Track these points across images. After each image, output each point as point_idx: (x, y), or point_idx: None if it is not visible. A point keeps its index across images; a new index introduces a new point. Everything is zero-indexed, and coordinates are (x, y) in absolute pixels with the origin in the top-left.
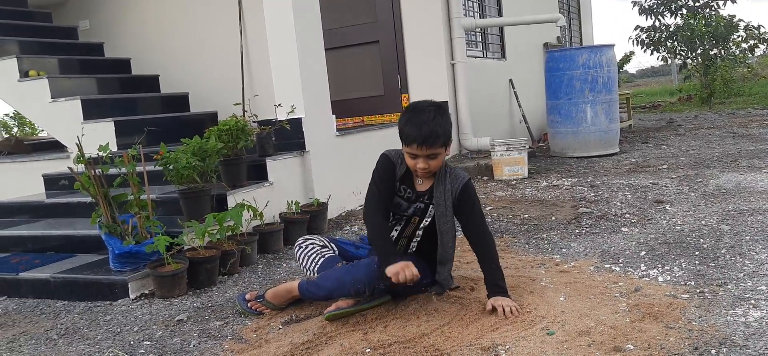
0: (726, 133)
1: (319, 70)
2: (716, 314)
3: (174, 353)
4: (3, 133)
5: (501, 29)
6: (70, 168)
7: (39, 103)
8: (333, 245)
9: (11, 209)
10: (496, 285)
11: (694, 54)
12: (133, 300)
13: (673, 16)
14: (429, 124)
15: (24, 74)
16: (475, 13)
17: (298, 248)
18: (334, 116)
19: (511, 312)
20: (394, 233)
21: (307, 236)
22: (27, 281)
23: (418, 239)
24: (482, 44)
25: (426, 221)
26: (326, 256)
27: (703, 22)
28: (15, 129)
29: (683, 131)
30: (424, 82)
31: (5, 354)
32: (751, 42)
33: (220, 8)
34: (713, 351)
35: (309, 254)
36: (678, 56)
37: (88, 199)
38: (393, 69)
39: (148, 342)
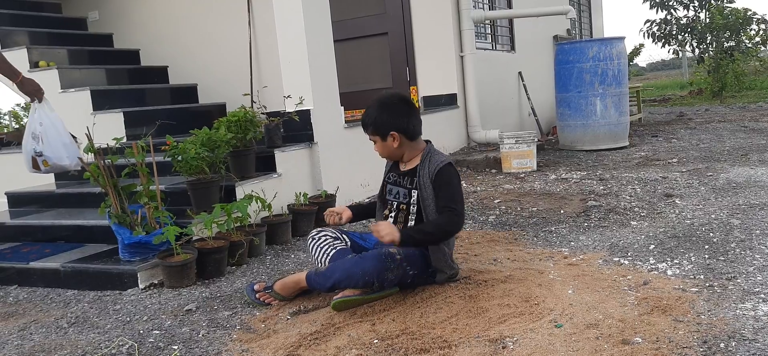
0: (737, 127)
1: (327, 62)
2: (725, 308)
3: (183, 342)
4: (13, 123)
5: (510, 21)
6: (80, 158)
7: (49, 93)
8: (345, 236)
9: (21, 199)
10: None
11: (707, 47)
12: (142, 289)
13: (686, 9)
14: (365, 113)
15: (34, 65)
16: (485, 5)
17: (311, 240)
18: (342, 107)
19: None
20: (390, 220)
21: (321, 229)
22: (37, 270)
23: (413, 222)
24: (491, 36)
25: (413, 205)
26: (338, 248)
27: (717, 15)
28: (25, 120)
29: (693, 124)
30: (433, 75)
31: (17, 341)
32: (762, 34)
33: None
34: (722, 345)
35: (321, 246)
36: (693, 50)
37: (98, 189)
38: (402, 61)
39: (158, 332)
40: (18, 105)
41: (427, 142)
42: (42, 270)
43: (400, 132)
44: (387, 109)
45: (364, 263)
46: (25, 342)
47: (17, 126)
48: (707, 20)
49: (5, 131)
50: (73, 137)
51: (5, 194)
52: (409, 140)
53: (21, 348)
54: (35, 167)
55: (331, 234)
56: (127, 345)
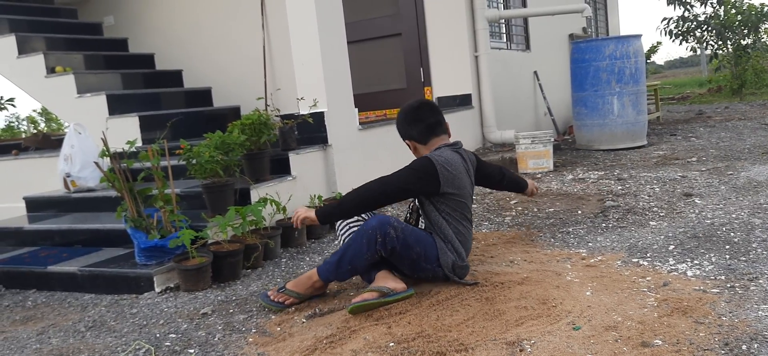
0: (757, 124)
1: (341, 64)
2: (747, 309)
3: (199, 346)
4: (30, 129)
5: (525, 20)
6: (96, 163)
7: (65, 98)
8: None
9: (39, 204)
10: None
11: (724, 44)
12: (158, 293)
13: (703, 6)
14: None
15: (50, 70)
16: (499, 4)
17: (345, 226)
18: (356, 109)
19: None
20: (407, 215)
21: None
22: (55, 274)
23: (421, 217)
24: (506, 36)
25: (416, 202)
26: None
27: (734, 10)
28: (42, 125)
29: (713, 122)
30: (447, 75)
31: (35, 345)
32: None
33: (242, 3)
34: (744, 347)
35: (350, 224)
36: (708, 47)
37: (114, 193)
38: (415, 62)
39: (174, 335)
40: (35, 111)
41: (454, 143)
42: (60, 273)
43: (409, 139)
44: (399, 120)
45: (366, 225)
46: (43, 345)
47: (35, 131)
48: (723, 17)
49: (23, 136)
50: (96, 163)
51: (23, 198)
52: (422, 144)
53: (40, 351)
54: (65, 186)
55: (361, 220)
56: (144, 349)
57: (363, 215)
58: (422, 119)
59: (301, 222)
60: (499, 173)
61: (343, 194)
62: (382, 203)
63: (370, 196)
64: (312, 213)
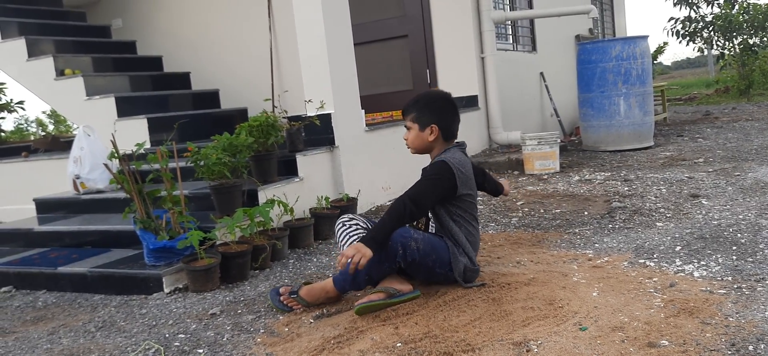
0: (764, 125)
1: (348, 65)
2: (754, 310)
3: (208, 346)
4: (40, 131)
5: (531, 21)
6: (105, 165)
7: (74, 101)
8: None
9: (49, 205)
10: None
11: (731, 44)
12: (167, 293)
13: (709, 6)
14: (411, 99)
15: (60, 73)
16: (505, 6)
17: (341, 225)
18: (363, 110)
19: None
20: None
21: (352, 216)
22: (65, 275)
23: (432, 219)
24: (512, 37)
25: None
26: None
27: (742, 11)
28: (51, 127)
29: (720, 123)
30: (454, 76)
31: (46, 345)
32: None
33: (249, 5)
34: (751, 347)
35: (349, 232)
36: (715, 47)
37: (123, 195)
38: (422, 63)
39: (183, 335)
40: (44, 113)
41: (459, 143)
42: (70, 274)
43: (440, 128)
44: (435, 102)
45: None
46: (54, 345)
47: (44, 133)
48: (726, 20)
49: (32, 138)
50: (106, 165)
51: (33, 200)
52: (444, 140)
53: (50, 351)
54: (75, 188)
55: (362, 224)
56: (154, 349)
57: (362, 223)
58: (458, 119)
59: (363, 264)
60: (481, 174)
61: (349, 195)
62: (415, 219)
63: (407, 216)
64: (369, 251)
